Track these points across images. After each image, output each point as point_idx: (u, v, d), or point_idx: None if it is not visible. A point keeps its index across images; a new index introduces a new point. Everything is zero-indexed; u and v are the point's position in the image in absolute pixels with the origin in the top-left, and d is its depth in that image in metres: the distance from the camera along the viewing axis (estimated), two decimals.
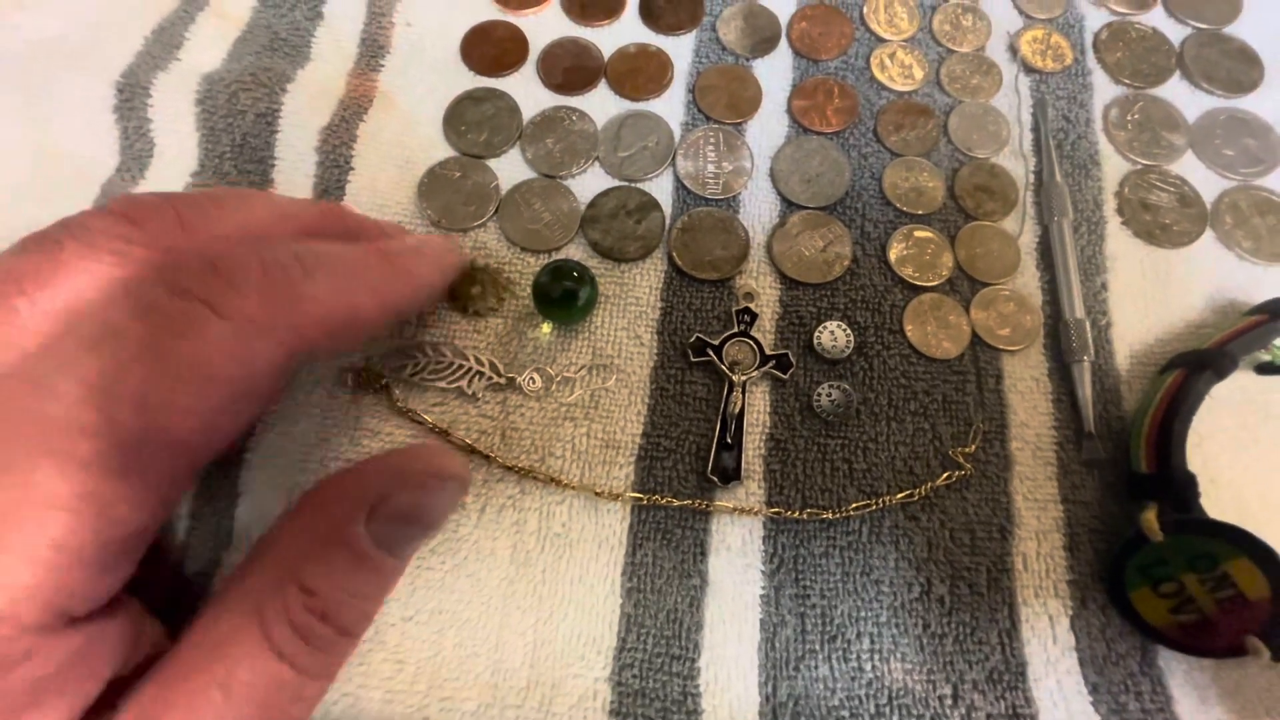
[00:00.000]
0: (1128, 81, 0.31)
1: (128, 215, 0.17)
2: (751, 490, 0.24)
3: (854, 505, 0.24)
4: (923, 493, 0.24)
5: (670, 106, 0.30)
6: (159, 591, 0.21)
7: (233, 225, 0.19)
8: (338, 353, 0.19)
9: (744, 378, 0.25)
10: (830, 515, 0.24)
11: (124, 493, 0.15)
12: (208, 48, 0.30)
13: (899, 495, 0.24)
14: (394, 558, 0.18)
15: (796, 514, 0.24)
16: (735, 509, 0.24)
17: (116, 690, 0.15)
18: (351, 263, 0.19)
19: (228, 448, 0.20)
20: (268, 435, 0.24)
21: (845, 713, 0.22)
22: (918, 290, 0.27)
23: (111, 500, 0.14)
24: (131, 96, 0.28)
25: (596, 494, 0.24)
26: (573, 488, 0.24)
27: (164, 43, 0.30)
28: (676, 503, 0.24)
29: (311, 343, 0.18)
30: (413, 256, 0.21)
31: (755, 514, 0.24)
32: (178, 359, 0.15)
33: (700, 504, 0.24)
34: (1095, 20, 0.32)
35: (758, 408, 0.25)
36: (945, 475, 0.24)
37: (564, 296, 0.25)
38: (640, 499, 0.24)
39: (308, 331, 0.17)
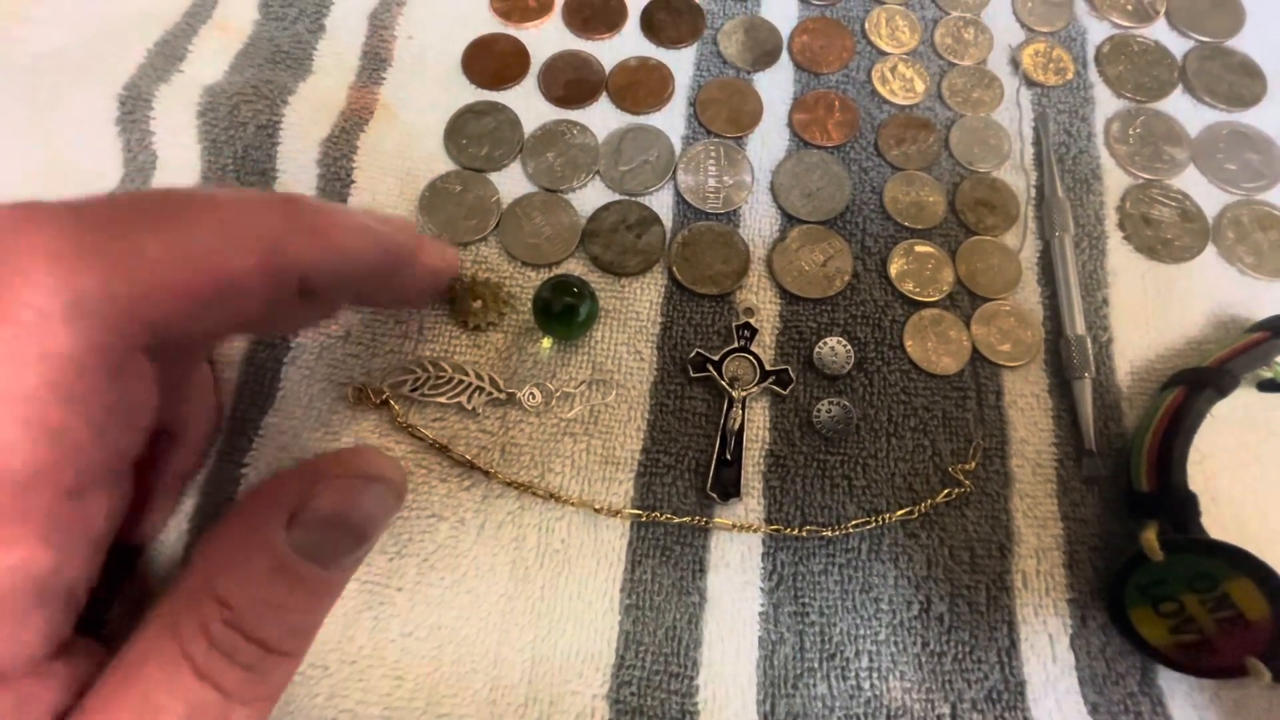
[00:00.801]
0: (1130, 95, 0.31)
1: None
2: (751, 506, 0.24)
3: (853, 522, 0.24)
4: (922, 510, 0.24)
5: (671, 120, 0.30)
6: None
7: None
8: (235, 331, 0.17)
9: (744, 393, 0.25)
10: (830, 533, 0.24)
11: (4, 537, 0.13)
12: (210, 60, 0.30)
13: (898, 513, 0.24)
14: (323, 569, 0.16)
15: (796, 531, 0.24)
16: (734, 526, 0.24)
17: None
18: (221, 205, 0.16)
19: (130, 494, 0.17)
20: (267, 450, 0.24)
21: None
22: (918, 305, 0.27)
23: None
24: (134, 109, 0.28)
25: (596, 510, 0.24)
26: (572, 504, 0.24)
27: (166, 55, 0.30)
28: (676, 520, 0.24)
29: (162, 320, 0.14)
30: (332, 214, 0.18)
31: (754, 531, 0.24)
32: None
33: (699, 521, 0.24)
34: (1097, 33, 0.32)
35: (757, 424, 0.25)
36: (945, 492, 0.24)
37: (564, 311, 0.25)
38: (639, 515, 0.24)
39: (153, 301, 0.14)
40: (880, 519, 0.24)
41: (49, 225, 0.13)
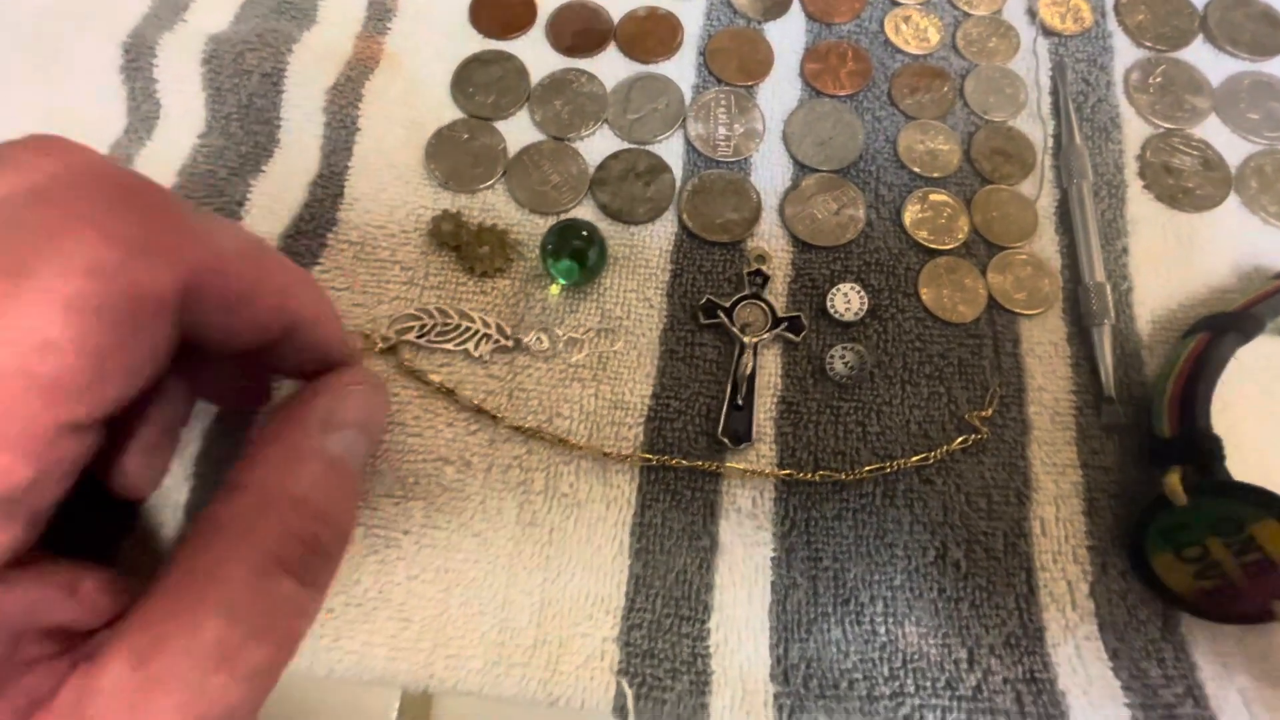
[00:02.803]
0: (1150, 44, 0.30)
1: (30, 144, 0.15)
2: (763, 453, 0.24)
3: (868, 468, 0.23)
4: (938, 456, 0.24)
5: (680, 69, 0.30)
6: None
7: None
8: (238, 338, 0.17)
9: (755, 340, 0.25)
10: (843, 477, 0.23)
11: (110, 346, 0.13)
12: (214, 10, 0.30)
13: (914, 459, 0.24)
14: (351, 463, 0.18)
15: (809, 476, 0.23)
16: (747, 470, 0.23)
17: (72, 644, 0.15)
18: (261, 244, 0.18)
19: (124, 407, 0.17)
20: (275, 397, 0.24)
21: (858, 675, 0.21)
22: (933, 254, 0.27)
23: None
24: (138, 57, 0.28)
25: (605, 454, 0.23)
26: (580, 448, 0.23)
27: (170, 4, 0.29)
28: (686, 463, 0.23)
29: (203, 284, 0.15)
30: (308, 282, 0.19)
31: (766, 476, 0.23)
32: (47, 281, 0.13)
33: (710, 465, 0.23)
34: None
35: (769, 370, 0.25)
36: (961, 439, 0.24)
37: (573, 256, 0.25)
38: (649, 460, 0.23)
39: (200, 263, 0.15)
40: (895, 464, 0.23)
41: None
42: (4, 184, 0.14)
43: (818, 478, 0.23)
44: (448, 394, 0.24)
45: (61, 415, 0.13)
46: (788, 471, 0.23)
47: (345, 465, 0.18)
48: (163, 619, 0.14)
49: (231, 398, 0.23)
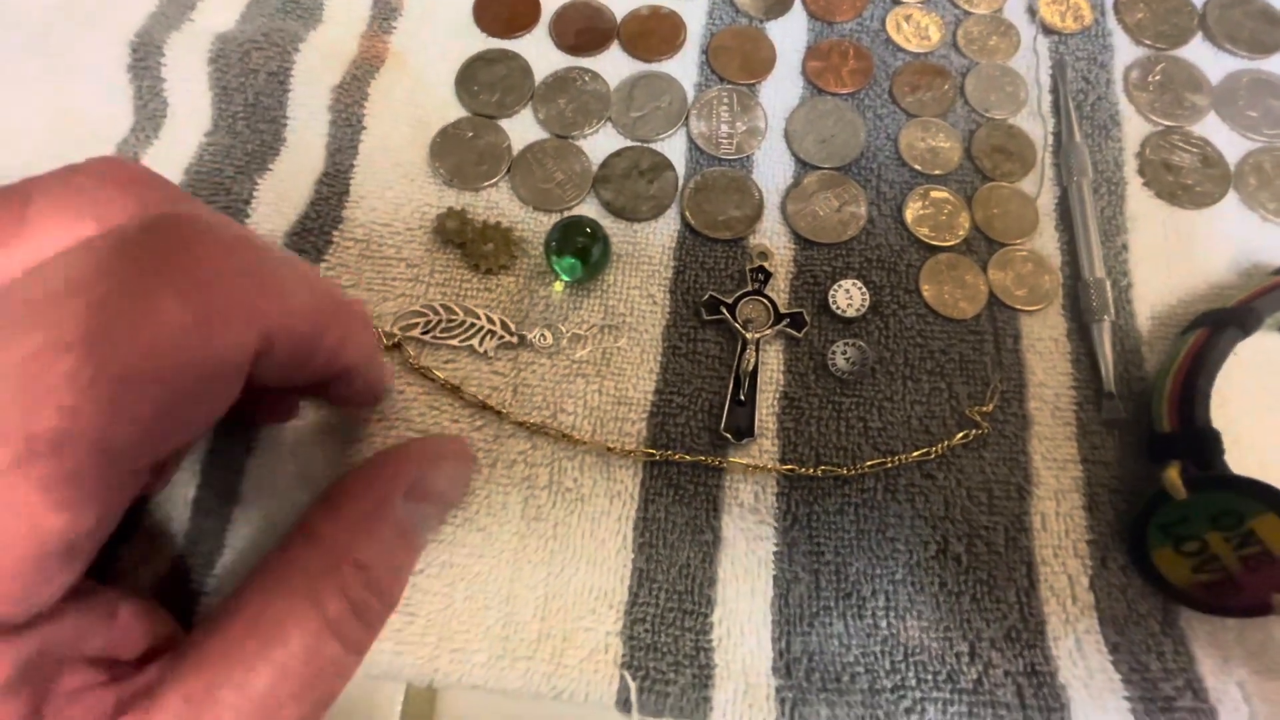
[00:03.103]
0: (1149, 42, 0.30)
1: (107, 174, 0.15)
2: (765, 448, 0.24)
3: (869, 462, 0.24)
4: (939, 451, 0.24)
5: (683, 67, 0.30)
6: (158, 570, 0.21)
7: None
8: (291, 382, 0.17)
9: (757, 336, 0.25)
10: (845, 472, 0.23)
11: (55, 502, 0.12)
12: (221, 9, 0.30)
13: (915, 454, 0.24)
14: (421, 535, 0.19)
15: (810, 471, 0.23)
16: (749, 465, 0.23)
17: (113, 673, 0.15)
18: (323, 280, 0.18)
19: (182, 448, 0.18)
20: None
21: (860, 668, 0.21)
22: (934, 250, 0.27)
23: (40, 511, 0.12)
24: (145, 56, 0.28)
25: (609, 450, 0.24)
26: (584, 443, 0.24)
27: (177, 3, 0.30)
28: (690, 459, 0.23)
29: (274, 341, 0.15)
30: (366, 325, 0.19)
31: (768, 470, 0.24)
32: (125, 347, 0.13)
33: (712, 460, 0.23)
34: None
35: (771, 366, 0.25)
36: (961, 434, 0.24)
37: (576, 253, 0.25)
38: (652, 455, 0.23)
39: (274, 323, 0.15)
40: (896, 459, 0.24)
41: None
42: (83, 224, 0.14)
43: (819, 473, 0.23)
44: (453, 390, 0.24)
45: (131, 464, 0.14)
46: (790, 467, 0.24)
47: (414, 538, 0.19)
48: (217, 667, 0.15)
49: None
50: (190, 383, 0.14)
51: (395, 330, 0.25)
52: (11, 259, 0.14)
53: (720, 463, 0.24)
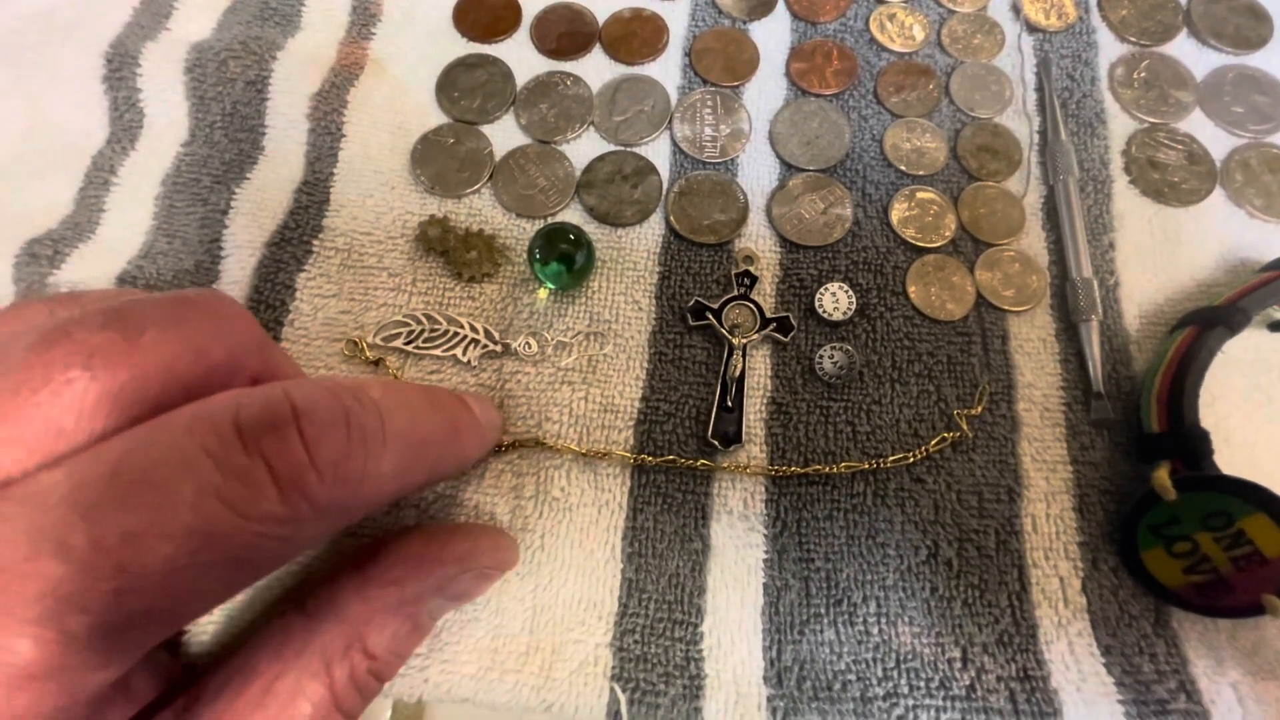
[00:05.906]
0: (1133, 39, 0.30)
1: (120, 322, 0.14)
2: (753, 454, 0.24)
3: (843, 463, 0.23)
4: (920, 455, 0.24)
5: (666, 70, 0.29)
6: None
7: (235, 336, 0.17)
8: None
9: (744, 341, 0.25)
10: (827, 469, 0.23)
11: (95, 661, 0.13)
12: (197, 17, 0.29)
13: (893, 458, 0.23)
14: (432, 625, 0.20)
15: (795, 470, 0.23)
16: (732, 466, 0.23)
17: None
18: (424, 428, 0.17)
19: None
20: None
21: (852, 676, 0.21)
22: (921, 251, 0.27)
23: (79, 669, 0.13)
24: (120, 66, 0.28)
25: (599, 456, 0.23)
26: (571, 451, 0.23)
27: (153, 12, 0.29)
28: (680, 462, 0.23)
29: (353, 521, 0.16)
30: (472, 433, 0.20)
31: (755, 473, 0.23)
32: (204, 535, 0.13)
33: (700, 464, 0.23)
34: None
35: (759, 371, 0.25)
36: (938, 438, 0.24)
37: (560, 259, 0.24)
38: (640, 459, 0.23)
39: (358, 513, 0.16)
40: (875, 463, 0.23)
41: None
42: (184, 359, 0.15)
43: (809, 471, 0.23)
44: None
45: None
46: (775, 468, 0.23)
47: (425, 630, 0.19)
48: None
49: None
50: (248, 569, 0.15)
51: (378, 341, 0.25)
52: (116, 378, 0.14)
53: (707, 466, 0.23)
